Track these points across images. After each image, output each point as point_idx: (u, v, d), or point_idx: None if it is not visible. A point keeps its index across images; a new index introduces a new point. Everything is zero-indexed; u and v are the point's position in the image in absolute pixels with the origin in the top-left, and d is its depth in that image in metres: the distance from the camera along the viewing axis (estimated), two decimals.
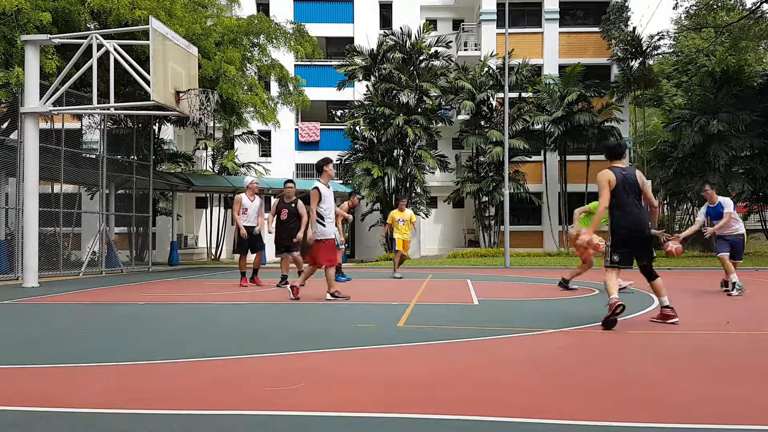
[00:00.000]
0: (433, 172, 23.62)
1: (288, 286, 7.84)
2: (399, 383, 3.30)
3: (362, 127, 21.83)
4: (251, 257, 10.10)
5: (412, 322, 5.68)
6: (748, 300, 7.80)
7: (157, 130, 19.64)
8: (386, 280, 11.48)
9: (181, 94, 10.39)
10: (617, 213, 5.37)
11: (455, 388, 3.20)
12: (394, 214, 11.97)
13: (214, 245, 24.05)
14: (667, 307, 5.51)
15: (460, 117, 24.43)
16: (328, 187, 7.45)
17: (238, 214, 9.56)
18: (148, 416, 2.72)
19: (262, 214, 9.96)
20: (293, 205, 9.46)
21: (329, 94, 25.68)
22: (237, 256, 10.52)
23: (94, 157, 15.33)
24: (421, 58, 22.39)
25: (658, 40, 24.40)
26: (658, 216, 5.24)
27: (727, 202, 8.58)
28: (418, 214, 23.05)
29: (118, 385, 3.32)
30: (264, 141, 25.41)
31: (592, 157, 24.02)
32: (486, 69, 23.06)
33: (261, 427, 2.55)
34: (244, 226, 9.52)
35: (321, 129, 26.89)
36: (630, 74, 24.04)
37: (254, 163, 24.51)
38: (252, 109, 16.59)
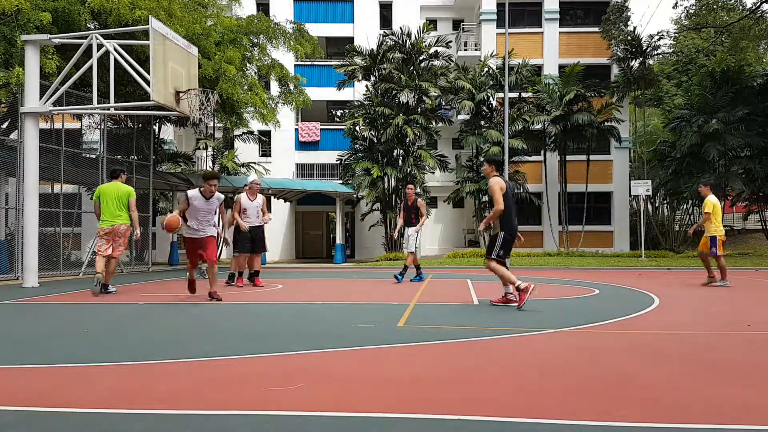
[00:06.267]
0: (433, 172, 23.62)
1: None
2: (399, 383, 3.30)
3: (362, 127, 21.83)
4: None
5: (412, 322, 5.68)
6: (748, 300, 7.81)
7: (157, 130, 19.63)
8: (387, 280, 11.46)
9: (181, 94, 10.38)
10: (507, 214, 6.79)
11: (455, 388, 3.20)
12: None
13: None
14: (510, 293, 6.77)
15: (460, 117, 24.42)
16: None
17: (238, 214, 9.54)
18: (148, 416, 2.72)
19: (265, 212, 9.91)
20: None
21: (329, 94, 25.68)
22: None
23: (94, 157, 15.32)
24: (421, 58, 22.39)
25: (658, 40, 24.42)
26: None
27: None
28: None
29: (118, 385, 3.32)
30: (264, 141, 25.38)
31: (592, 157, 24.03)
32: (486, 69, 23.06)
33: (261, 427, 2.55)
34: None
35: (321, 129, 26.89)
36: (630, 74, 24.04)
37: (254, 163, 24.48)
38: (252, 108, 16.58)
